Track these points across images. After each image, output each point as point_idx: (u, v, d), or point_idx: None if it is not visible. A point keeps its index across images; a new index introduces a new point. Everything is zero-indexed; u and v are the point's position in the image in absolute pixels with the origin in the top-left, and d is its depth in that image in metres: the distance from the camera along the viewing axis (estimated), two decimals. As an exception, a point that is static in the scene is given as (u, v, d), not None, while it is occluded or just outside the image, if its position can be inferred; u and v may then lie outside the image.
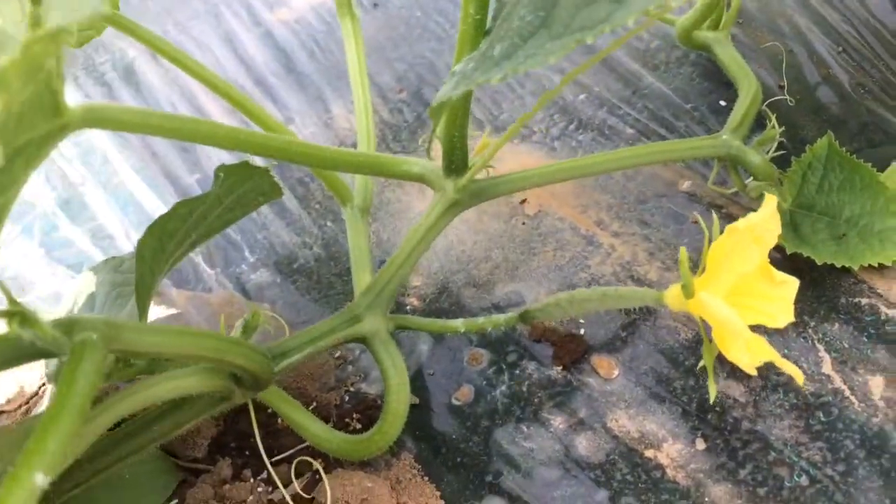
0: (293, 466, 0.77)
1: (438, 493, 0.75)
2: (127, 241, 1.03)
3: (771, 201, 0.57)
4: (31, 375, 0.89)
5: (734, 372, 0.78)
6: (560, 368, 0.81)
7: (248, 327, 0.67)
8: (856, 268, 0.79)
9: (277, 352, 0.69)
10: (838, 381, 0.76)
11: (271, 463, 0.78)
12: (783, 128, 0.86)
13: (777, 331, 0.77)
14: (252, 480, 0.79)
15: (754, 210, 0.60)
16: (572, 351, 0.82)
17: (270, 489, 0.77)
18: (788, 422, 0.74)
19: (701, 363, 0.76)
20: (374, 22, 1.21)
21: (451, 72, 0.55)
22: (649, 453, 0.75)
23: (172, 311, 0.94)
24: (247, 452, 0.81)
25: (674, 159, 0.90)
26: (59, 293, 1.00)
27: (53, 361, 0.77)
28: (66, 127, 0.46)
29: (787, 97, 0.98)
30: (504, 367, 0.82)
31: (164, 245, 0.62)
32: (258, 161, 0.72)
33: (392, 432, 0.70)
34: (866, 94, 0.98)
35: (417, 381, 0.83)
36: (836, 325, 0.79)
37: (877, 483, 0.69)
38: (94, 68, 1.24)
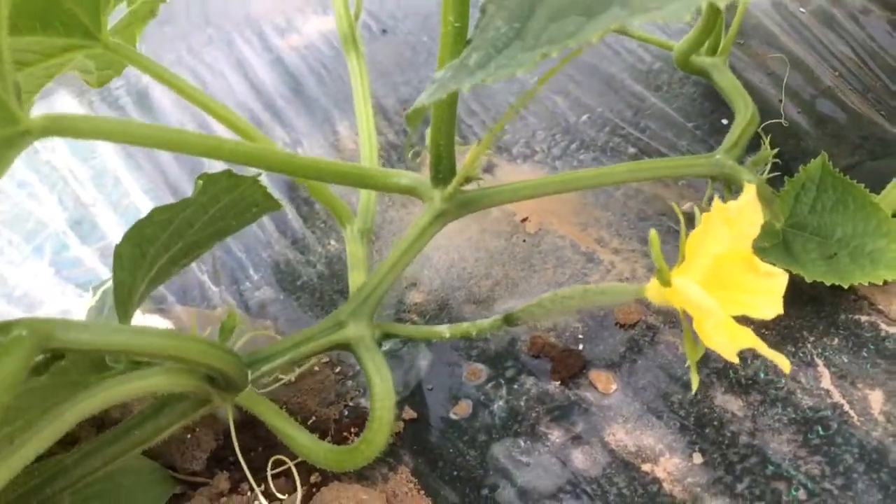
0: (275, 474, 0.78)
1: (434, 507, 0.75)
2: (135, 260, 1.04)
3: (750, 189, 0.58)
4: None
5: (732, 386, 0.77)
6: (558, 383, 0.81)
7: (224, 329, 0.68)
8: (855, 284, 0.78)
9: (260, 356, 0.69)
10: (837, 396, 0.75)
11: (271, 476, 0.79)
12: (783, 142, 0.87)
13: (775, 344, 0.77)
14: (249, 494, 0.79)
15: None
16: (570, 366, 0.82)
17: (267, 503, 0.78)
18: (787, 436, 0.74)
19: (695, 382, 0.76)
20: (382, 47, 1.23)
21: (431, 80, 0.56)
22: (646, 467, 0.74)
23: (178, 326, 0.95)
24: (245, 467, 0.81)
25: (668, 176, 0.90)
26: (68, 311, 1.01)
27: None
28: (27, 133, 0.47)
29: (783, 120, 0.98)
30: (502, 381, 0.82)
31: (143, 251, 0.62)
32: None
33: (378, 441, 0.69)
34: (867, 107, 0.98)
35: (416, 396, 0.83)
36: (836, 341, 0.79)
37: (876, 497, 0.68)
38: (108, 93, 1.27)
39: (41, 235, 1.10)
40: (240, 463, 0.82)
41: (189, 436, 0.82)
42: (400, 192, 0.74)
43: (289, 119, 1.17)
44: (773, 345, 0.75)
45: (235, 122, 0.79)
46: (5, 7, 0.46)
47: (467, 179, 0.74)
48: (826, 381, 0.76)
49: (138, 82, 1.27)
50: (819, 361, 0.78)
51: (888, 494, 0.68)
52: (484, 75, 0.47)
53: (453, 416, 0.81)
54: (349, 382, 0.86)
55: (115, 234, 1.08)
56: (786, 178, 0.85)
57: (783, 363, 0.59)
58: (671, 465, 0.74)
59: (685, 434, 0.76)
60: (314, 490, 0.77)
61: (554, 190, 0.78)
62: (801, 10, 1.11)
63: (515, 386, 0.82)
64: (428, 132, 0.73)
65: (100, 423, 0.79)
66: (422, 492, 0.76)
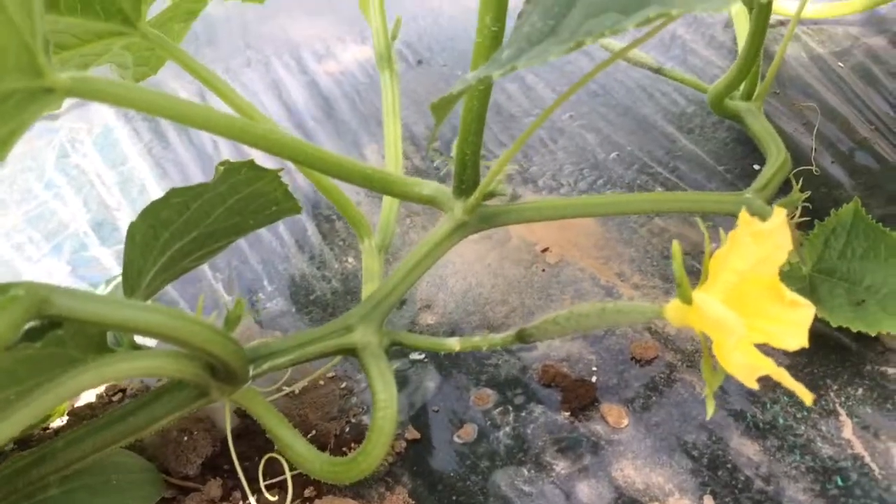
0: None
1: (429, 530, 0.72)
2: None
3: (780, 213, 0.56)
4: None
5: (749, 430, 0.74)
6: (568, 414, 0.78)
7: (229, 318, 0.66)
8: (884, 333, 0.75)
9: (264, 352, 0.67)
10: (859, 447, 0.72)
11: (265, 487, 0.76)
12: (814, 190, 0.85)
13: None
14: (241, 503, 0.77)
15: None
16: (581, 397, 0.79)
17: (259, 512, 0.75)
18: (804, 484, 0.70)
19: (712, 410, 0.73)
20: (417, 77, 1.24)
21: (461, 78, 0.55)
22: (653, 506, 0.71)
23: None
24: (239, 475, 0.79)
25: (694, 210, 0.88)
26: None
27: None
28: (51, 90, 0.46)
29: (815, 168, 0.96)
30: (510, 408, 0.80)
31: (157, 233, 0.61)
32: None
33: (376, 454, 0.66)
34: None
35: (421, 417, 0.81)
36: (860, 391, 0.76)
37: (896, 554, 0.65)
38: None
39: (62, 234, 1.10)
40: (233, 472, 0.79)
41: (186, 438, 0.80)
42: (421, 202, 0.73)
43: (318, 140, 1.17)
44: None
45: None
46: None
47: (490, 194, 0.73)
48: (847, 431, 0.73)
49: (166, 87, 1.29)
50: (841, 411, 0.74)
51: (909, 552, 0.64)
52: (515, 62, 0.46)
53: (457, 440, 0.79)
54: (353, 399, 0.84)
55: (134, 238, 1.08)
56: (816, 222, 0.82)
57: (805, 395, 0.56)
58: (680, 505, 0.70)
59: (697, 475, 0.72)
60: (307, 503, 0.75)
61: (577, 213, 0.76)
62: (840, 64, 1.10)
63: (523, 413, 0.79)
64: (454, 144, 0.72)
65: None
66: (418, 514, 0.74)
